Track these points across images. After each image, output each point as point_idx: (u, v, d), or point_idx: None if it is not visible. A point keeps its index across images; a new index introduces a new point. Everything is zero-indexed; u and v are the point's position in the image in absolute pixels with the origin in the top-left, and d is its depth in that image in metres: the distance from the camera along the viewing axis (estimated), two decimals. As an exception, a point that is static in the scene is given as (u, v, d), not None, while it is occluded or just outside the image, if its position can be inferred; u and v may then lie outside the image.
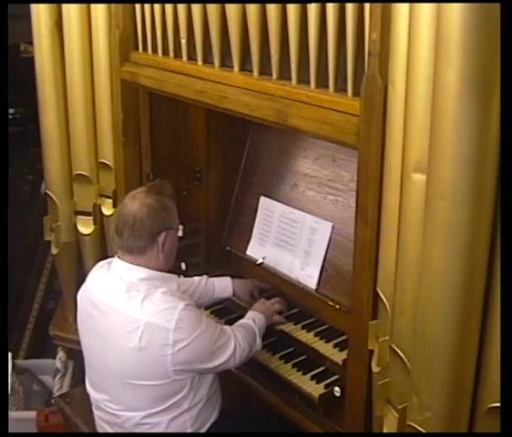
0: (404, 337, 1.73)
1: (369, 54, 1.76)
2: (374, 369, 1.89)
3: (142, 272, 2.09)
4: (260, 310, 2.42)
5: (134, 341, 2.00)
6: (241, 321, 2.33)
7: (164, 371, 2.02)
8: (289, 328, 2.53)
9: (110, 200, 2.91)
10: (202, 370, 2.11)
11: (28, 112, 3.76)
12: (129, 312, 2.03)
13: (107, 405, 2.16)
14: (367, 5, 1.77)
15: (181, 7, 2.36)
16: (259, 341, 2.29)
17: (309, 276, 2.54)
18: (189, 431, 2.15)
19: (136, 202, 2.08)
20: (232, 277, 2.68)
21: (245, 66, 2.23)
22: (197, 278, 2.59)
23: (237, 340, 2.17)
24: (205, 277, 2.60)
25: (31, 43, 2.91)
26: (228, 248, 2.90)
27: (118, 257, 2.14)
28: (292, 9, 1.96)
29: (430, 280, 1.55)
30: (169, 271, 2.19)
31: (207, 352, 2.08)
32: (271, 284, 2.71)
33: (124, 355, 2.03)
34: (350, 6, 1.82)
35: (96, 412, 2.26)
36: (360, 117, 1.81)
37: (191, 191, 2.95)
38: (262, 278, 2.77)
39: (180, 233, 2.19)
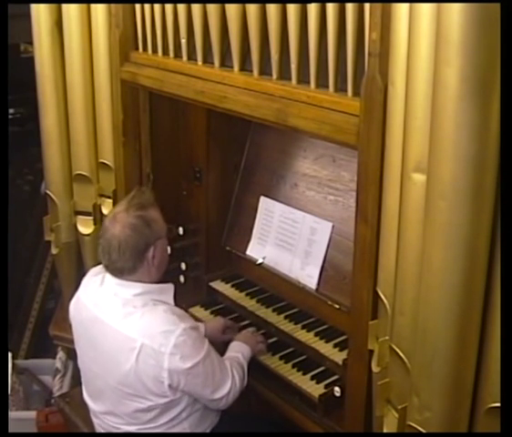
0: (404, 337, 1.72)
1: (369, 54, 1.76)
2: (374, 369, 1.89)
3: (137, 287, 2.04)
4: (245, 342, 2.34)
5: (131, 362, 1.97)
6: (233, 356, 2.24)
7: (162, 391, 2.00)
8: (289, 328, 2.53)
9: (110, 200, 2.90)
10: (196, 397, 2.08)
11: (28, 112, 3.76)
12: (126, 331, 1.99)
13: (106, 417, 2.14)
14: (367, 5, 1.77)
15: (181, 7, 2.36)
16: (246, 380, 2.21)
17: (309, 276, 2.54)
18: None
19: (117, 225, 2.02)
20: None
21: (245, 66, 2.22)
22: None
23: (233, 382, 2.12)
24: None
25: (31, 43, 2.91)
26: (228, 248, 2.90)
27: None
28: (292, 9, 1.96)
29: (430, 280, 1.55)
30: (166, 279, 2.14)
31: (201, 384, 2.04)
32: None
33: (121, 374, 2.00)
34: (350, 6, 1.82)
35: (95, 420, 2.24)
36: (360, 117, 1.81)
37: (191, 191, 2.95)
38: (262, 278, 2.78)
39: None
